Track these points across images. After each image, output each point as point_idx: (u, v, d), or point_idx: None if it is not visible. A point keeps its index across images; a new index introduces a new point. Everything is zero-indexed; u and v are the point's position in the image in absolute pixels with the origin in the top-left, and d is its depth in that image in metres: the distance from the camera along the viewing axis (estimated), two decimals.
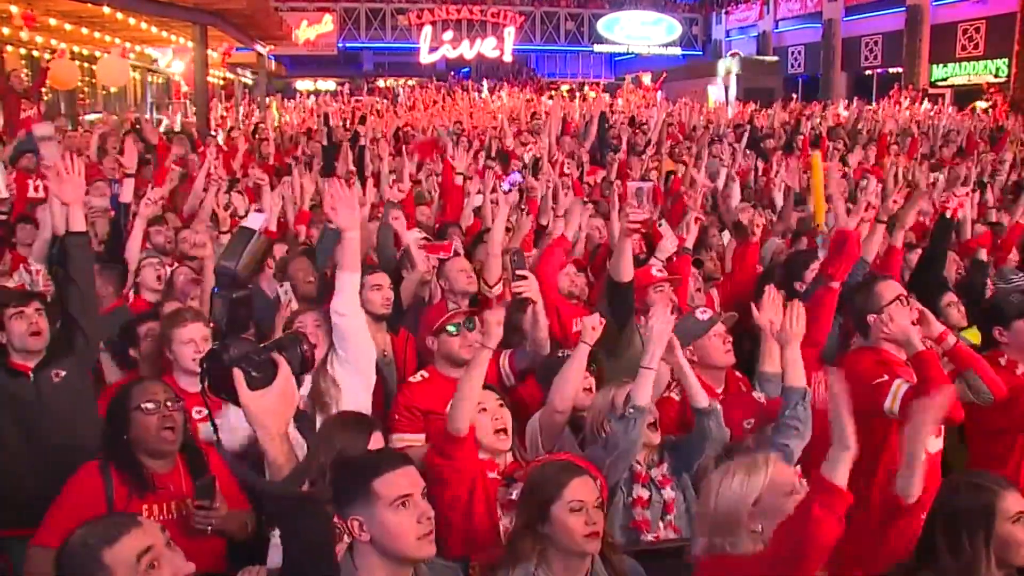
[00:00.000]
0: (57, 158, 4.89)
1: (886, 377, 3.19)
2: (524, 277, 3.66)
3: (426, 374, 3.61)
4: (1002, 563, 2.26)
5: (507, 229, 5.70)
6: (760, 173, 9.14)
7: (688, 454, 3.04)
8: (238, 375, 1.67)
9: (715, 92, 28.35)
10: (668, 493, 3.00)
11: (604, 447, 2.87)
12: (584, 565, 2.36)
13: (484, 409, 2.96)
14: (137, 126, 11.60)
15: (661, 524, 2.96)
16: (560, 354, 3.48)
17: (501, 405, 3.01)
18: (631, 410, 2.81)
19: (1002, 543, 2.25)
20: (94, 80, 18.53)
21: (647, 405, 2.87)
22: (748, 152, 10.12)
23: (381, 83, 32.39)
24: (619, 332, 3.82)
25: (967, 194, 6.43)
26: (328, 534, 1.87)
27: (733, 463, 2.34)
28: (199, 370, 1.75)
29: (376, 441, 2.72)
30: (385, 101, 23.68)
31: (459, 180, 6.94)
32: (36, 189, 7.41)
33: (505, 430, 2.98)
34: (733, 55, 30.79)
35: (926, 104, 17.60)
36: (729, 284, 5.17)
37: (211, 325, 2.47)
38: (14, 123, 10.19)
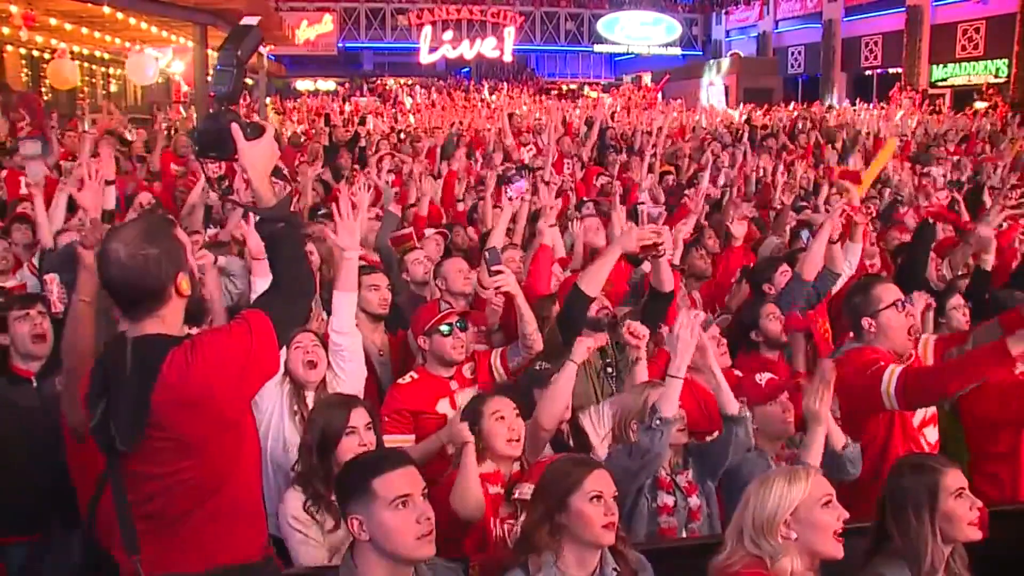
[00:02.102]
0: (41, 177, 4.89)
1: (882, 363, 3.18)
2: (500, 272, 3.60)
3: (415, 375, 3.57)
4: (947, 538, 2.41)
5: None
6: (762, 174, 9.15)
7: (714, 461, 3.01)
8: (236, 128, 2.12)
9: (716, 93, 28.41)
10: (694, 501, 2.98)
11: (629, 454, 2.83)
12: (596, 557, 2.36)
13: (502, 417, 2.93)
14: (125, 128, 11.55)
15: (685, 532, 2.95)
16: (538, 367, 3.44)
17: (518, 415, 2.98)
18: (658, 421, 2.77)
19: (946, 518, 2.40)
20: (93, 80, 18.56)
21: (674, 416, 2.82)
22: (754, 153, 10.13)
23: (393, 83, 32.20)
24: (564, 347, 3.65)
25: (947, 197, 6.44)
26: (304, 253, 2.32)
27: (772, 473, 2.41)
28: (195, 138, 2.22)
29: (359, 416, 2.78)
30: (387, 104, 23.70)
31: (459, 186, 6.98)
32: (28, 187, 7.40)
33: (518, 439, 2.95)
34: (732, 55, 30.82)
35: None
36: (713, 286, 5.16)
37: (211, 94, 2.60)
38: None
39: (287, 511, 2.71)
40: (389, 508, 2.08)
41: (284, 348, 3.15)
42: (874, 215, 6.46)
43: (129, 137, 10.93)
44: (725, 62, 29.73)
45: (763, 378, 3.25)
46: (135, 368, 2.02)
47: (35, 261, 5.09)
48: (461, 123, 14.58)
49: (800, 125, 13.84)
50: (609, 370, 3.81)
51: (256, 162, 2.16)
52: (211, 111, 2.23)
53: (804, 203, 7.06)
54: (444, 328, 3.53)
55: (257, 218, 2.29)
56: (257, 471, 2.28)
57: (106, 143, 6.74)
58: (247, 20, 2.26)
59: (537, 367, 3.44)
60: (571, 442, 3.27)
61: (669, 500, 2.93)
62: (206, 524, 2.11)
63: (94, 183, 3.53)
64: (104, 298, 2.71)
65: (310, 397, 3.30)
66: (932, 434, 3.45)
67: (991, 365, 3.01)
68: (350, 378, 3.35)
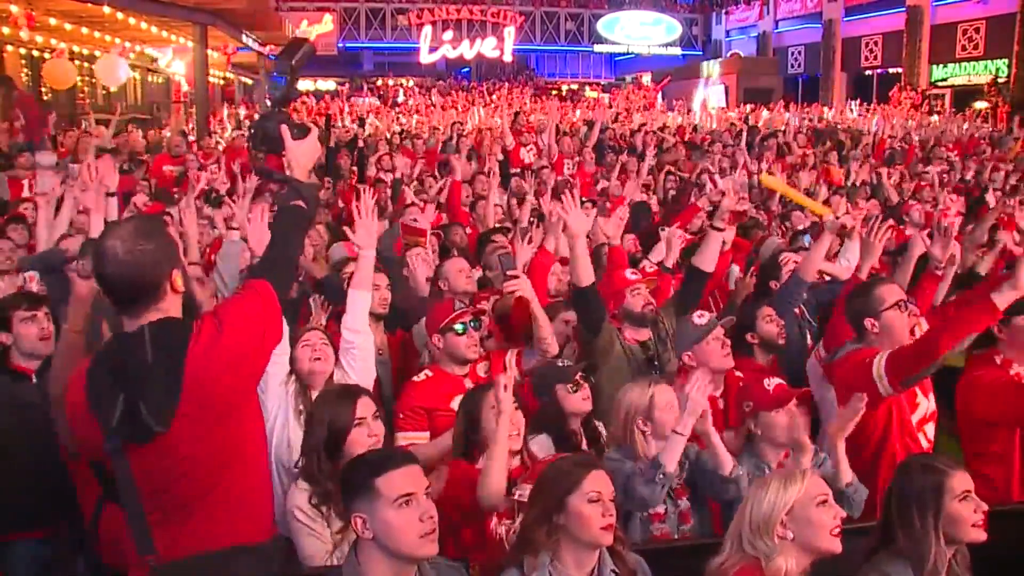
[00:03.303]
0: (51, 187, 4.93)
1: (873, 355, 3.21)
2: (515, 276, 3.61)
3: (429, 373, 3.58)
4: (950, 539, 2.43)
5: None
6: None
7: (703, 492, 3.03)
8: (285, 130, 2.45)
9: (716, 93, 28.41)
10: (684, 504, 2.99)
11: (625, 494, 2.81)
12: (593, 558, 2.36)
13: (501, 411, 2.90)
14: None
15: (676, 536, 2.96)
16: (560, 363, 3.45)
17: (517, 408, 2.97)
18: (661, 476, 2.79)
19: (950, 520, 2.42)
20: (94, 80, 18.54)
21: (676, 470, 2.85)
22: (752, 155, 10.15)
23: (404, 85, 32.08)
24: (593, 340, 3.74)
25: (958, 200, 6.46)
26: (303, 236, 2.59)
27: (769, 475, 2.44)
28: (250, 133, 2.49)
29: (365, 406, 2.76)
30: (387, 104, 23.69)
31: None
32: (31, 189, 7.42)
33: (518, 433, 2.94)
34: (732, 55, 30.81)
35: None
36: None
37: (267, 96, 2.78)
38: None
39: (293, 504, 2.69)
40: (392, 507, 2.09)
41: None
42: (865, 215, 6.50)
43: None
44: (716, 66, 29.70)
45: (771, 384, 3.20)
46: (159, 349, 2.08)
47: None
48: (462, 124, 14.57)
49: (804, 130, 13.84)
50: (655, 363, 3.84)
51: (300, 158, 2.47)
52: (266, 112, 2.57)
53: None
54: (458, 327, 3.53)
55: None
56: (263, 453, 2.34)
57: (107, 154, 6.73)
58: (300, 33, 2.45)
59: (560, 363, 3.44)
60: (584, 447, 3.26)
61: (660, 508, 2.93)
62: (215, 508, 2.16)
63: (96, 184, 3.53)
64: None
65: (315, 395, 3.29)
66: (931, 430, 3.46)
67: (978, 319, 3.05)
68: (360, 376, 3.33)
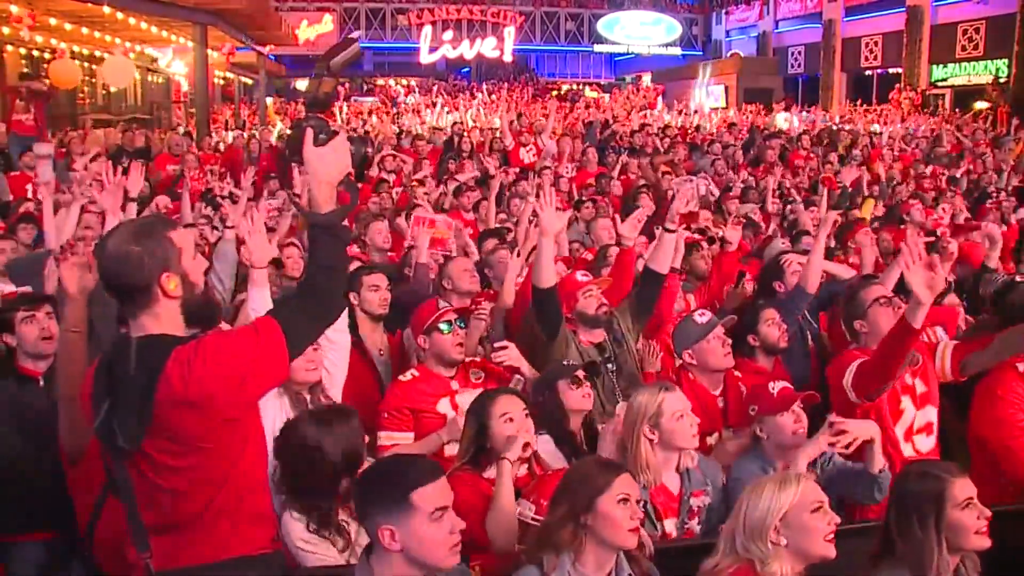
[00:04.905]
0: (51, 176, 4.96)
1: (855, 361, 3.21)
2: (504, 347, 3.59)
3: (416, 372, 3.54)
4: (953, 547, 2.38)
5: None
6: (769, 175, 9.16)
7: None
8: (308, 132, 2.16)
9: (715, 93, 28.43)
10: (693, 525, 2.95)
11: None
12: (612, 560, 2.36)
13: (510, 419, 2.88)
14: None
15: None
16: (566, 363, 3.43)
17: (527, 415, 2.94)
18: None
19: (952, 528, 2.37)
20: (94, 80, 18.55)
21: None
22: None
23: (401, 86, 32.07)
24: (549, 343, 3.70)
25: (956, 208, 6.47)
26: (343, 267, 2.30)
27: (764, 479, 2.42)
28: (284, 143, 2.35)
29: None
30: (388, 104, 23.72)
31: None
32: (35, 194, 7.41)
33: (528, 442, 2.88)
34: (732, 55, 30.83)
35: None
36: (706, 292, 5.14)
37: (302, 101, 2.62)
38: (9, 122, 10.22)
39: (293, 537, 2.61)
40: (428, 520, 2.07)
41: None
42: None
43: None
44: (709, 68, 29.71)
45: (776, 387, 3.17)
46: (139, 367, 2.05)
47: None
48: (462, 123, 14.60)
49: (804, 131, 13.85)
50: (610, 365, 3.81)
51: (318, 166, 2.15)
52: (300, 117, 2.32)
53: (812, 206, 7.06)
54: (443, 326, 3.50)
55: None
56: (263, 467, 2.30)
57: (136, 161, 6.67)
58: (352, 35, 2.36)
59: (565, 363, 3.43)
60: (585, 448, 3.24)
61: (667, 527, 2.89)
62: (214, 519, 2.14)
63: (114, 187, 3.51)
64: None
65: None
66: (924, 442, 3.40)
67: (904, 343, 3.04)
68: (336, 372, 3.24)
